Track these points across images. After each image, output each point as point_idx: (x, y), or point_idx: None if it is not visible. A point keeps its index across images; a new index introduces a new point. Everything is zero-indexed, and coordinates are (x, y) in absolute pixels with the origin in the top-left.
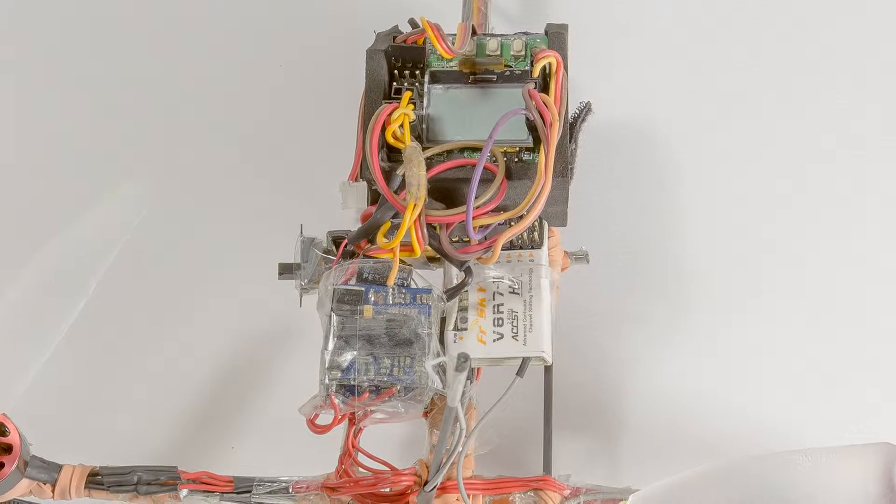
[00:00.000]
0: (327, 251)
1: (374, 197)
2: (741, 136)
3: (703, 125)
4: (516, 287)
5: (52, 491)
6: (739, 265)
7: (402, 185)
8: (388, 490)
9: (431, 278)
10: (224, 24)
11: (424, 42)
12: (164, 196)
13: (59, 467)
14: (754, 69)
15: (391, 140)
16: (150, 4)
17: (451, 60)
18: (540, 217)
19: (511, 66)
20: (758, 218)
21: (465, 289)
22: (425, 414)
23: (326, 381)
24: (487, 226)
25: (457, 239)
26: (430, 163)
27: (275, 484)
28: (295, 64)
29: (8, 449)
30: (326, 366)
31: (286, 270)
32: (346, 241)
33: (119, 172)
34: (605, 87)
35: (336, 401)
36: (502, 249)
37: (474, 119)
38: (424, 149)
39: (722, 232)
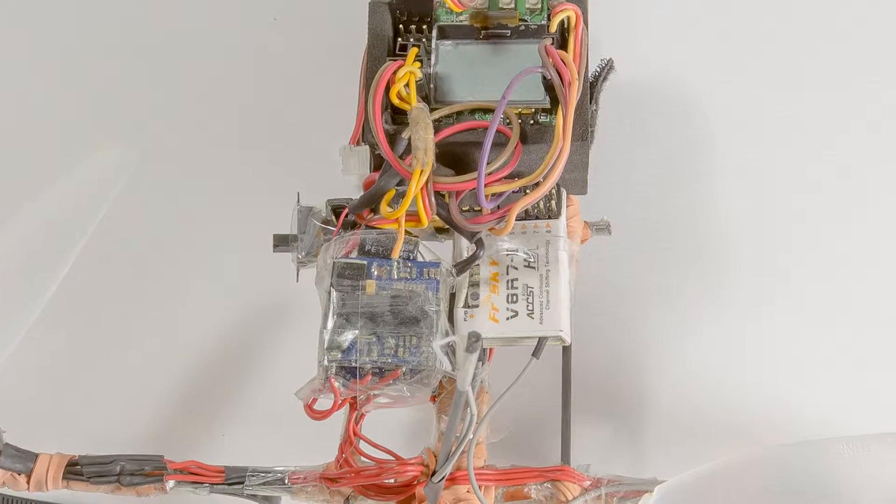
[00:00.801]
0: (326, 221)
1: (378, 162)
2: (780, 99)
3: (738, 85)
4: (532, 260)
5: (27, 482)
6: (774, 238)
7: (408, 150)
8: (392, 481)
9: (439, 251)
10: None
11: None
12: (147, 162)
13: (34, 456)
14: (796, 25)
15: (396, 101)
16: None
17: (461, 14)
18: (558, 184)
19: (526, 21)
20: (793, 188)
21: (477, 262)
22: (433, 398)
23: (325, 362)
24: (500, 194)
25: (467, 208)
26: (437, 125)
27: (269, 474)
28: (289, 18)
29: None
30: (325, 346)
31: (282, 242)
32: (346, 210)
33: (97, 137)
34: (628, 43)
35: (336, 384)
36: (517, 220)
37: (486, 78)
38: (432, 110)
39: (756, 201)
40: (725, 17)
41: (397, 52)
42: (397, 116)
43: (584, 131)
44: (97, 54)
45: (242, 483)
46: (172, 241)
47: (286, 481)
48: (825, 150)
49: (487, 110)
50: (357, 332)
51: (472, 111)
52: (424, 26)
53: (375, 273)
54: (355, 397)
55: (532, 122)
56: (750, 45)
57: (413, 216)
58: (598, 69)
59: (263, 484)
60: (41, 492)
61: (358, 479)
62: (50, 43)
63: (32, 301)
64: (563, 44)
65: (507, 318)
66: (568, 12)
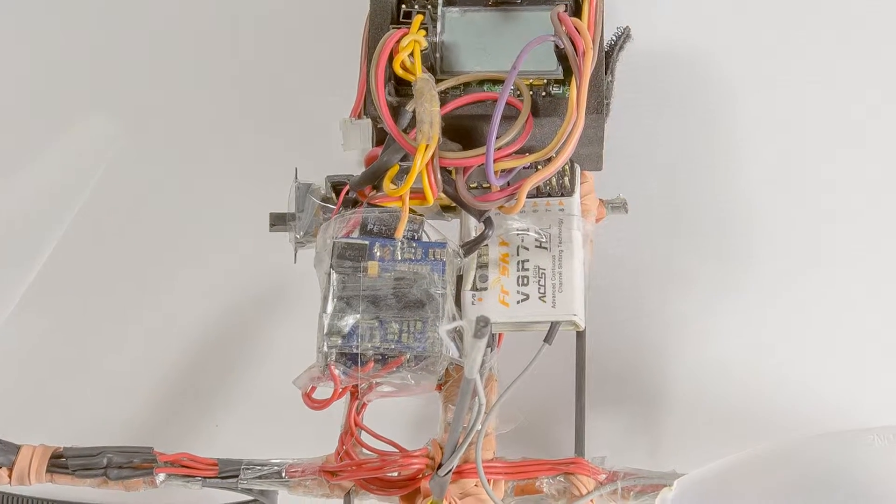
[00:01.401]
0: (326, 199)
1: (380, 137)
2: (803, 68)
3: (759, 54)
4: (544, 240)
5: (9, 475)
6: (800, 219)
7: (413, 123)
8: (396, 474)
9: (446, 230)
10: None
11: None
12: (135, 135)
13: (16, 448)
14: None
15: (399, 71)
16: None
17: None
18: (571, 160)
19: None
20: (821, 167)
21: (485, 242)
22: (439, 387)
23: (325, 348)
24: (510, 170)
25: (475, 185)
26: (444, 97)
27: (265, 467)
28: None
29: None
30: (325, 331)
31: (279, 221)
32: (347, 187)
33: (85, 107)
34: (646, 10)
35: (336, 372)
36: (528, 197)
37: (495, 47)
38: (438, 81)
39: (781, 179)
40: None
41: (401, 19)
42: (401, 88)
43: (599, 103)
44: (82, 17)
45: (237, 476)
46: (162, 219)
47: (283, 475)
48: (856, 127)
49: (497, 81)
50: (358, 316)
51: (481, 82)
52: None
53: (378, 254)
54: (356, 386)
55: (544, 93)
56: (777, 11)
57: (418, 193)
58: (614, 38)
59: (259, 477)
60: (24, 485)
61: (359, 473)
62: (32, 4)
63: (12, 285)
64: (577, 11)
65: (518, 302)
66: None
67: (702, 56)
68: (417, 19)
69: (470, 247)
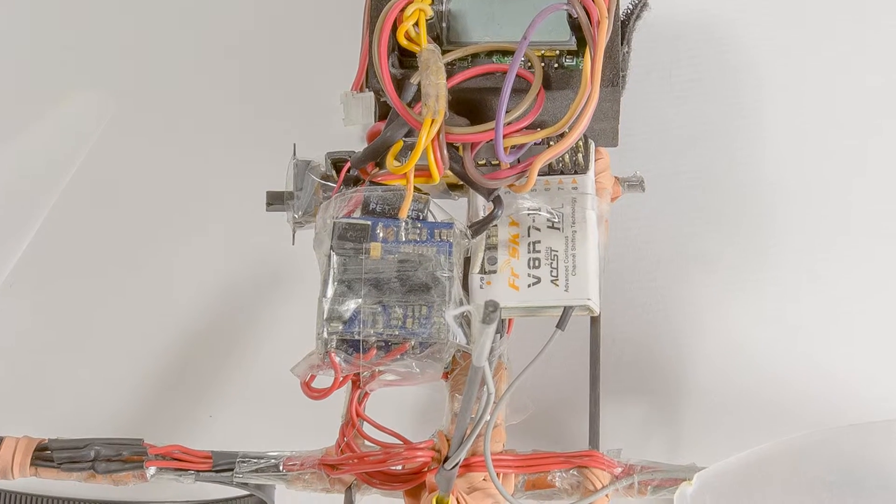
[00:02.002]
0: (326, 177)
1: (384, 111)
2: (831, 38)
3: (785, 22)
4: (556, 221)
5: None
6: (827, 197)
7: (418, 97)
8: (399, 468)
9: (453, 210)
10: None
11: None
12: (126, 109)
13: None
14: None
15: (404, 42)
16: None
17: None
18: (585, 135)
19: None
20: (848, 142)
21: (494, 223)
22: (445, 375)
23: (325, 335)
24: (521, 146)
25: (484, 162)
26: (450, 69)
27: (262, 460)
28: None
29: None
30: (325, 316)
31: (276, 200)
32: (348, 164)
33: (70, 80)
34: None
35: (337, 359)
36: (539, 175)
37: (505, 16)
38: (444, 52)
39: (808, 154)
40: None
41: None
42: (405, 59)
43: (614, 76)
44: None
45: (232, 470)
46: (153, 199)
47: (281, 468)
48: (886, 100)
49: (506, 52)
50: (360, 300)
51: (490, 53)
52: None
53: (381, 235)
54: (358, 374)
55: (556, 65)
56: None
57: (423, 171)
58: (631, 6)
59: (255, 471)
60: (7, 479)
61: (361, 466)
62: None
63: None
64: None
65: (529, 286)
66: None
67: (724, 25)
68: None
69: (478, 227)
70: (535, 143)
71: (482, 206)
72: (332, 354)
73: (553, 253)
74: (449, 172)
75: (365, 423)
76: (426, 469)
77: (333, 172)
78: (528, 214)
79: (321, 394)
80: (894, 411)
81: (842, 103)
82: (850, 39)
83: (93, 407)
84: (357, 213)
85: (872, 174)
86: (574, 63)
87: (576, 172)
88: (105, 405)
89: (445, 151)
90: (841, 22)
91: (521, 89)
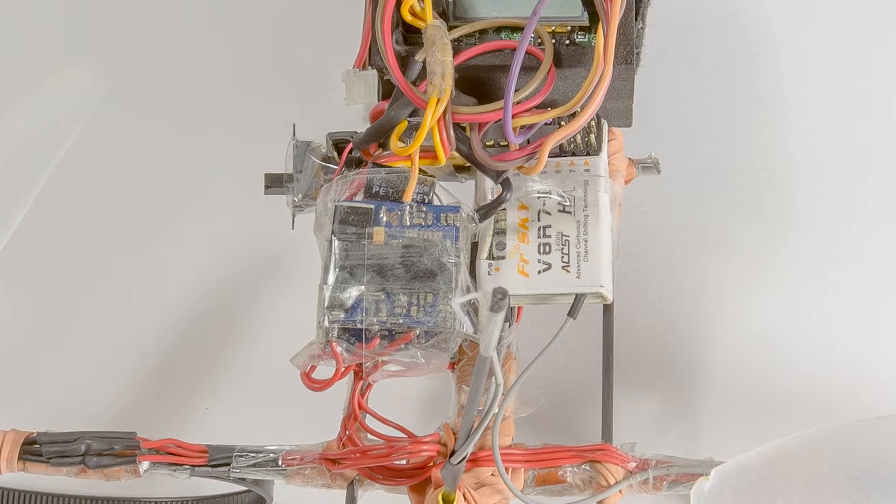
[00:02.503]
0: (327, 158)
1: (387, 89)
2: (861, 13)
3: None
4: (568, 204)
5: None
6: (849, 179)
7: (423, 75)
8: (404, 462)
9: (459, 193)
10: None
11: None
12: (117, 89)
13: None
14: None
15: (408, 17)
16: None
17: None
18: (598, 115)
19: None
20: (870, 123)
21: (503, 206)
22: (451, 366)
23: (326, 323)
24: (531, 126)
25: (492, 143)
26: (457, 46)
27: (260, 454)
28: None
29: None
30: (326, 304)
31: (275, 183)
32: (350, 145)
33: (61, 54)
34: None
35: (338, 349)
36: (550, 156)
37: None
38: (451, 28)
39: (831, 134)
40: None
41: None
42: (410, 36)
43: (628, 53)
44: None
45: (229, 465)
46: (145, 182)
47: (280, 462)
48: None
49: (515, 28)
50: (363, 287)
51: (498, 29)
52: None
53: (384, 219)
54: (361, 364)
55: (568, 41)
56: None
57: (428, 152)
58: None
59: (253, 465)
60: None
61: (364, 461)
62: None
63: None
64: None
65: (539, 272)
66: None
67: (744, 1)
68: None
69: (486, 211)
70: (545, 124)
71: (490, 189)
72: (334, 344)
73: (564, 238)
74: (455, 154)
75: (368, 415)
76: (432, 464)
77: (335, 154)
78: (539, 198)
79: (322, 385)
80: None
81: (867, 82)
82: (878, 17)
83: (83, 399)
84: (359, 197)
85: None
86: (586, 39)
87: (588, 154)
88: (96, 397)
89: (452, 132)
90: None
91: (530, 67)
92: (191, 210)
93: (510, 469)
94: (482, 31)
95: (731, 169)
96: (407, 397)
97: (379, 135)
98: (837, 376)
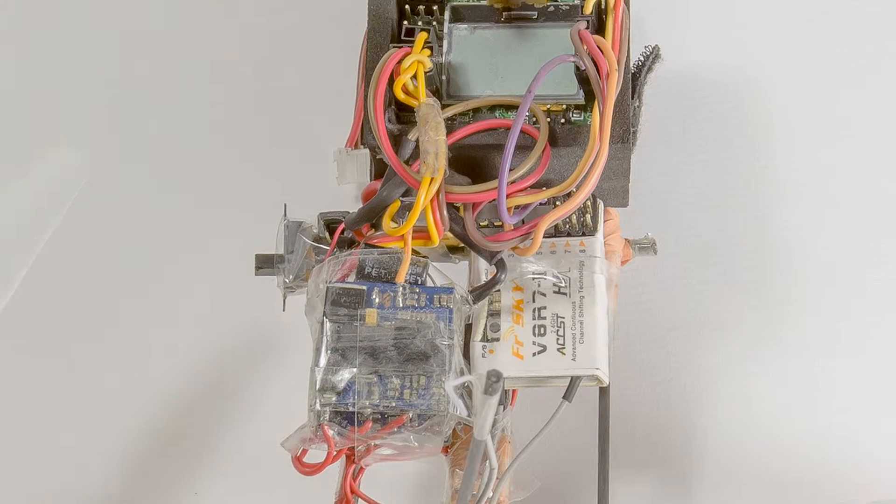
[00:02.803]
0: (318, 239)
1: (380, 169)
2: (854, 92)
3: (808, 76)
4: (563, 285)
5: None
6: (847, 261)
7: (416, 154)
8: None
9: (453, 274)
10: None
11: None
12: (109, 164)
13: None
14: (868, 7)
15: (401, 96)
16: None
17: None
18: (594, 195)
19: (556, 0)
20: (869, 204)
21: (497, 287)
22: (445, 449)
23: (318, 406)
24: (526, 206)
25: (486, 223)
26: (451, 125)
27: None
28: None
29: None
30: (318, 387)
31: (266, 264)
32: (342, 225)
33: (53, 134)
34: (677, 28)
35: (330, 432)
36: (545, 237)
37: (509, 68)
38: (444, 106)
39: (828, 214)
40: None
41: (403, 37)
42: (403, 114)
43: (624, 132)
44: (58, 39)
45: None
46: (135, 259)
47: None
48: None
49: (510, 107)
50: (355, 370)
51: (492, 108)
52: (435, 7)
53: (377, 300)
54: (353, 448)
55: (563, 120)
56: (822, 31)
57: (422, 232)
58: (642, 58)
59: None
60: None
61: None
62: (4, 26)
63: None
64: (600, 28)
65: (534, 354)
66: None
67: (742, 78)
68: (421, 37)
69: (480, 292)
70: (540, 203)
71: (484, 270)
72: (325, 427)
73: (559, 319)
74: (449, 234)
75: (360, 500)
76: None
77: (326, 234)
78: (533, 279)
79: (313, 469)
80: None
81: (866, 160)
82: (875, 94)
83: (71, 483)
84: (351, 278)
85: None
86: (582, 118)
87: (584, 234)
88: (85, 481)
89: (445, 212)
90: (866, 75)
91: (525, 146)
92: (181, 290)
93: None
94: (476, 110)
95: (729, 249)
96: (399, 481)
97: (371, 215)
98: (835, 460)
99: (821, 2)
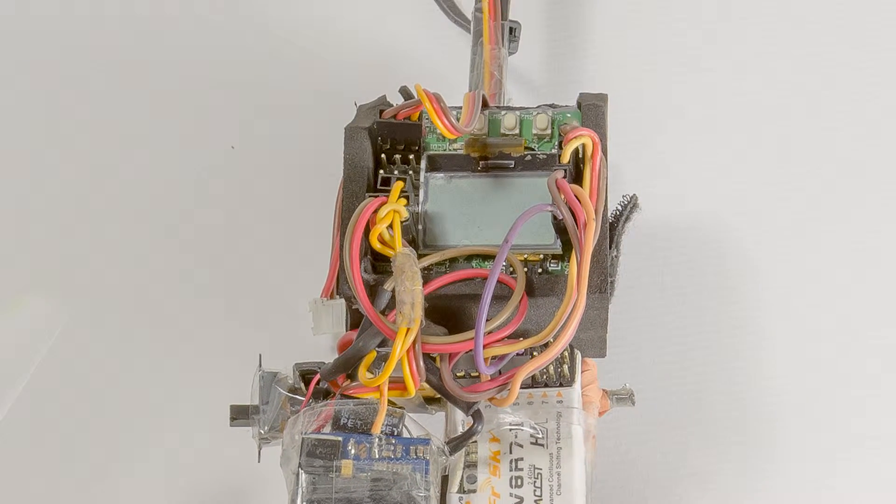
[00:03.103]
0: (294, 389)
1: (356, 319)
2: (835, 242)
3: (788, 225)
4: (540, 436)
5: None
6: (834, 411)
7: (392, 304)
8: None
9: (429, 425)
10: (159, 92)
11: (420, 117)
12: (82, 315)
13: None
14: (847, 157)
15: (377, 245)
16: (65, 80)
17: (455, 141)
18: (571, 345)
19: (533, 149)
20: (858, 349)
21: (474, 439)
22: None
23: None
24: (502, 357)
25: (462, 374)
26: (427, 275)
27: None
28: (250, 145)
29: None
30: None
31: (241, 414)
32: (317, 376)
33: (23, 284)
34: (656, 176)
35: None
36: (522, 387)
37: (485, 218)
38: (421, 256)
39: (811, 365)
40: (774, 145)
41: (379, 186)
42: (379, 264)
43: (602, 281)
44: (28, 192)
45: None
46: (106, 412)
47: None
48: (888, 311)
49: (487, 257)
50: None
51: (469, 258)
52: (411, 156)
53: (353, 451)
54: None
55: (540, 270)
56: (808, 181)
57: (398, 383)
58: (620, 207)
59: None
60: None
61: None
62: None
63: None
64: (577, 177)
65: None
66: (583, 139)
67: (721, 227)
68: (397, 186)
69: (457, 444)
70: (517, 354)
71: (461, 421)
72: None
73: (537, 471)
74: (425, 385)
75: None
76: None
77: (302, 385)
78: (510, 430)
79: None
80: None
81: (848, 311)
82: (856, 245)
83: None
84: (327, 429)
85: (885, 389)
86: (559, 268)
87: (561, 385)
88: None
89: (421, 363)
90: (846, 224)
91: (502, 296)
92: (153, 441)
93: None
94: (453, 260)
95: (709, 400)
96: None
97: (347, 366)
98: None
99: (801, 151)
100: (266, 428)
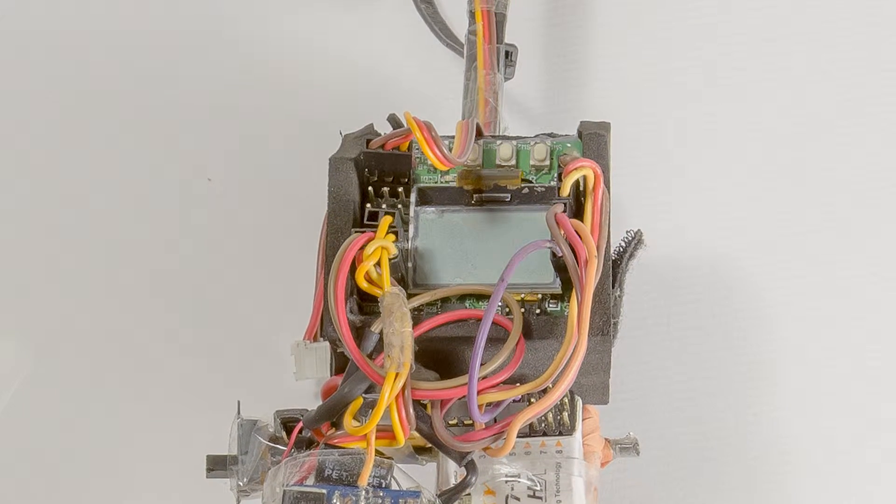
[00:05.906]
0: (275, 438)
1: (341, 363)
2: (849, 280)
3: (799, 263)
4: (538, 489)
5: None
6: (848, 460)
7: (380, 347)
8: None
9: (420, 476)
10: (132, 123)
11: (410, 147)
12: (48, 360)
13: None
14: (859, 191)
15: (363, 284)
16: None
17: (447, 173)
18: (571, 391)
19: (531, 182)
20: (871, 395)
21: (468, 491)
22: None
23: None
24: (498, 403)
25: (455, 421)
26: (417, 316)
27: None
28: (230, 177)
29: None
30: None
31: (218, 465)
32: (300, 424)
33: None
34: (661, 211)
35: None
36: (519, 436)
37: (479, 255)
38: (410, 296)
39: (824, 412)
40: (784, 179)
41: (366, 221)
42: (366, 304)
43: (604, 323)
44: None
45: None
46: (75, 461)
47: None
48: None
49: (481, 296)
50: None
51: (462, 298)
52: (400, 189)
53: None
54: None
55: (538, 311)
56: (819, 215)
57: (386, 432)
58: (624, 243)
59: None
60: None
61: None
62: None
63: None
64: (578, 211)
65: None
66: (584, 171)
67: (730, 264)
68: (385, 221)
69: (449, 496)
70: (513, 401)
71: (454, 473)
72: None
73: None
74: (415, 434)
75: None
76: None
77: (283, 434)
78: (507, 481)
79: None
80: None
81: (862, 355)
82: (869, 285)
83: None
84: (310, 481)
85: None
86: (558, 308)
87: (560, 434)
88: None
89: (411, 409)
90: (860, 262)
91: (497, 339)
92: (126, 496)
93: None
94: (445, 300)
95: (718, 451)
96: None
97: (332, 413)
98: None
99: (808, 186)
100: (245, 480)
